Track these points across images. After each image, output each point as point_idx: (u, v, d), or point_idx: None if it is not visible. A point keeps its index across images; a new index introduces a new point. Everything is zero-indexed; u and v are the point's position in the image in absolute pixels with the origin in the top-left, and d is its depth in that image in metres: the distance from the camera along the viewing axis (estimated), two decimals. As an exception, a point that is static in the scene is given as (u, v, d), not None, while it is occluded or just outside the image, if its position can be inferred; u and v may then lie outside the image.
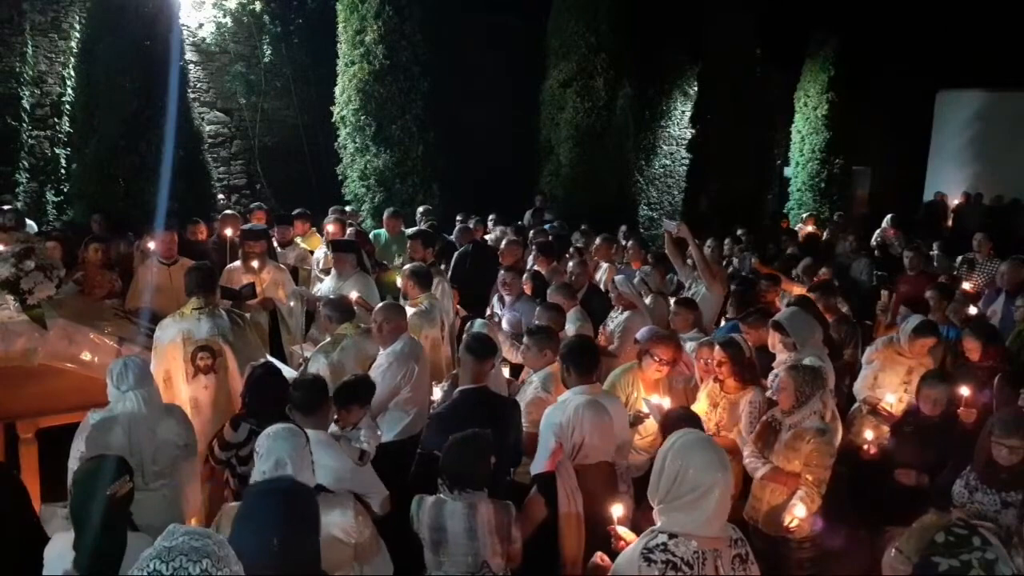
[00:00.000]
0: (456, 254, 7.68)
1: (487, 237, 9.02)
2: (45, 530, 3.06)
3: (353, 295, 5.57)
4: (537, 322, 4.98)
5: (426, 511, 3.05)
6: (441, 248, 7.53)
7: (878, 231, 11.38)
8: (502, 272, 6.34)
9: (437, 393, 4.41)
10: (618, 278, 6.04)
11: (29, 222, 8.50)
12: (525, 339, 4.62)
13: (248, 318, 5.16)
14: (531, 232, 9.36)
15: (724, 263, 8.44)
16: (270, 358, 4.77)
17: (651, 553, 2.25)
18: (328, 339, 4.91)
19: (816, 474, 3.76)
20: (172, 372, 4.48)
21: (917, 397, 4.39)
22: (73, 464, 3.43)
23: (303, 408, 3.50)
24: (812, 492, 3.74)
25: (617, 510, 3.02)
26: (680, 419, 3.80)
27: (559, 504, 3.44)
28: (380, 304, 4.97)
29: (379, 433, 4.10)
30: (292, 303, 6.16)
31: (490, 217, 10.04)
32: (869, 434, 4.49)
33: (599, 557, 2.79)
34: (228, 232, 6.99)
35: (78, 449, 3.47)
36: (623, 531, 2.93)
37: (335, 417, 3.88)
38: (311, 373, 3.65)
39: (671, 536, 2.26)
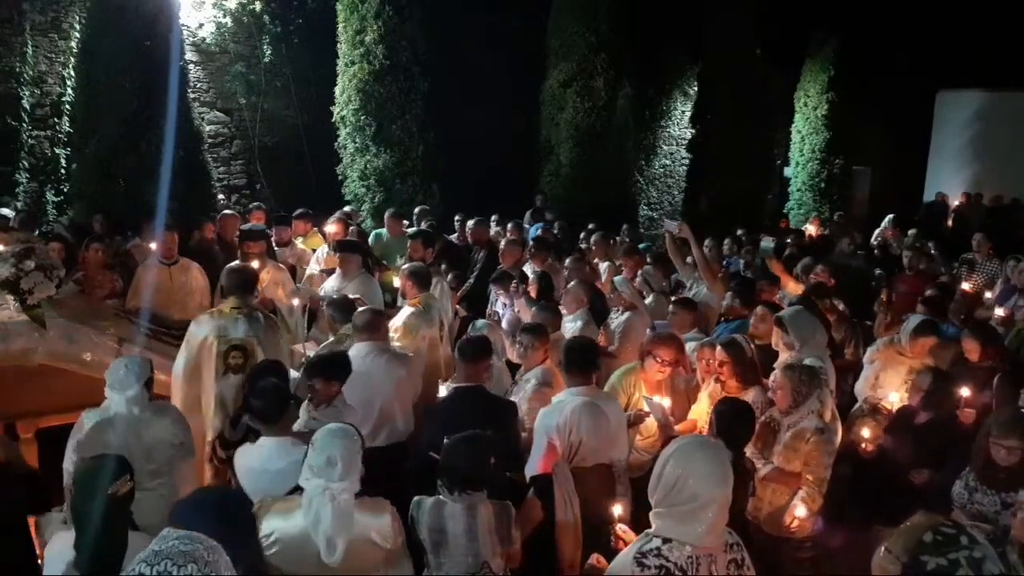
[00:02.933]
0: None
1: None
2: (44, 535, 3.05)
3: (351, 296, 5.57)
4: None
5: (426, 512, 3.03)
6: (441, 248, 7.53)
7: (878, 231, 11.38)
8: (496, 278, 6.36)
9: (443, 392, 4.42)
10: (617, 279, 6.04)
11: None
12: (518, 337, 4.64)
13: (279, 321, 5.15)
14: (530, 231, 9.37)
15: (723, 261, 8.43)
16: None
17: (644, 558, 2.23)
18: (331, 338, 4.95)
19: (816, 473, 3.76)
20: (202, 367, 4.45)
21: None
22: (68, 465, 3.42)
23: (264, 418, 3.38)
24: (813, 492, 3.73)
25: (618, 509, 3.02)
26: (736, 412, 3.65)
27: (556, 507, 3.43)
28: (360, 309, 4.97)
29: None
30: (295, 301, 6.16)
31: (492, 217, 10.03)
32: (866, 432, 4.49)
33: (595, 559, 2.78)
34: (227, 232, 6.99)
35: (72, 450, 3.46)
36: (624, 530, 2.93)
37: (308, 395, 3.84)
38: (271, 380, 3.63)
39: (665, 541, 2.24)
